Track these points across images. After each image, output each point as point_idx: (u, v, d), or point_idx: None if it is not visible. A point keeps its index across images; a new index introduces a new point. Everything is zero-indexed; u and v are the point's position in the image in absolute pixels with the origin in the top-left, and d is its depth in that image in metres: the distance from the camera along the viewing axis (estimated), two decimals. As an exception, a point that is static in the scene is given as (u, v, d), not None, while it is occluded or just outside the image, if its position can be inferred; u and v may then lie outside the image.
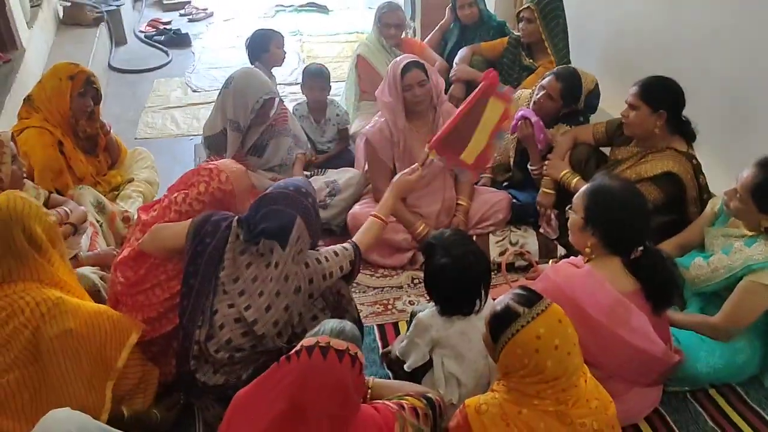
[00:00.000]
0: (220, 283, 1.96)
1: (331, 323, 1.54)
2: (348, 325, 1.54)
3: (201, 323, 1.94)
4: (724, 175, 2.72)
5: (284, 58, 3.76)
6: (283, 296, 1.93)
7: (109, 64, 5.37)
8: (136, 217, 2.73)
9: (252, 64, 3.70)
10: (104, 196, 2.92)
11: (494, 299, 1.92)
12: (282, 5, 7.12)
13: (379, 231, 2.30)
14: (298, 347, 1.47)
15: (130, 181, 3.15)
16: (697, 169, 2.58)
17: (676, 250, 2.44)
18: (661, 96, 2.56)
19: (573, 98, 2.94)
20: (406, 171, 2.45)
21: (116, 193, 3.10)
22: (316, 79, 3.57)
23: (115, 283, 2.19)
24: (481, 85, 2.51)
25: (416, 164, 2.46)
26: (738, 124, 2.81)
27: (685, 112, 2.60)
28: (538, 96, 2.98)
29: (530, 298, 1.56)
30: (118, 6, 5.84)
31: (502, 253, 2.88)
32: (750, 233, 2.17)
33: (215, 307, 1.95)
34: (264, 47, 3.65)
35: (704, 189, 2.61)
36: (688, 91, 2.57)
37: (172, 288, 2.11)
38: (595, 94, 2.99)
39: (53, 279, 1.93)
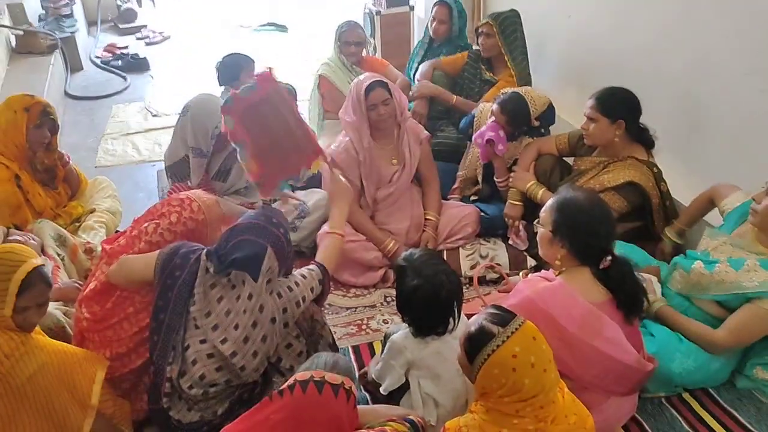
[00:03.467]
0: (191, 318, 1.92)
1: (324, 356, 1.53)
2: (341, 358, 1.54)
3: (172, 360, 1.90)
4: (683, 180, 2.79)
5: None
6: (260, 327, 1.90)
7: (65, 91, 5.26)
8: (99, 249, 2.67)
9: (221, 86, 3.69)
10: (65, 228, 2.84)
11: (467, 314, 1.94)
12: (241, 25, 7.09)
13: (338, 245, 2.29)
14: (291, 381, 1.44)
15: (92, 211, 3.08)
16: (658, 177, 2.63)
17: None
18: (618, 106, 2.61)
19: (519, 125, 2.95)
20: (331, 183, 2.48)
21: (77, 224, 3.01)
22: None
23: (81, 319, 2.13)
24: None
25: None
26: (693, 128, 2.88)
27: (642, 119, 2.66)
28: (490, 120, 2.99)
29: (504, 317, 1.56)
30: (72, 32, 5.74)
31: (473, 267, 2.90)
32: (765, 251, 2.15)
33: (186, 343, 1.91)
34: (235, 76, 3.63)
35: (666, 195, 2.66)
36: (643, 98, 2.63)
37: (140, 321, 2.06)
38: (548, 113, 3.01)
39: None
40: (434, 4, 3.94)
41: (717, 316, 2.22)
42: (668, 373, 2.16)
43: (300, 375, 1.46)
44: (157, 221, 2.16)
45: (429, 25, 3.98)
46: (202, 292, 1.93)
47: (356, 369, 2.40)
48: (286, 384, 1.45)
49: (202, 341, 1.90)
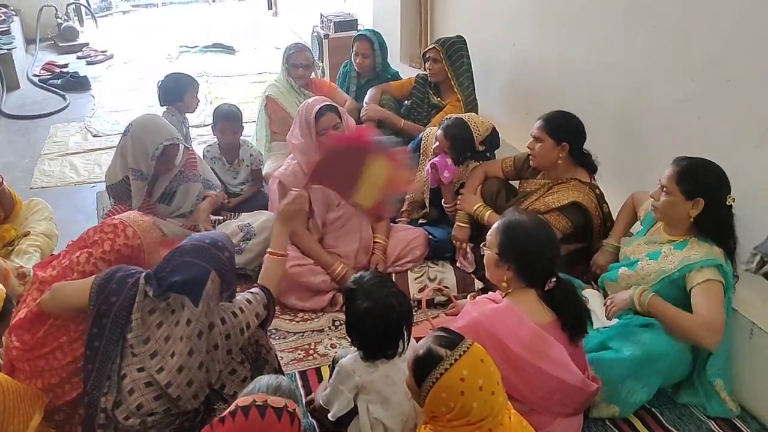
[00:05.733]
0: (128, 346, 1.83)
1: (265, 380, 1.48)
2: (284, 380, 1.49)
3: (107, 390, 1.81)
4: (621, 202, 2.86)
5: (198, 104, 3.71)
6: (196, 354, 1.83)
7: (0, 109, 5.06)
8: (32, 274, 2.55)
9: (162, 105, 3.62)
10: (-4, 252, 2.72)
11: (415, 338, 1.92)
12: (186, 46, 7.01)
13: (281, 267, 2.24)
14: (232, 407, 1.40)
15: (26, 234, 2.95)
16: (600, 198, 2.71)
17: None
18: (563, 129, 2.69)
19: (462, 150, 2.98)
20: (284, 200, 2.40)
21: (10, 248, 2.88)
22: (229, 121, 3.50)
23: (11, 348, 2.01)
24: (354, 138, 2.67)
25: (292, 190, 2.44)
26: (631, 153, 2.97)
27: (585, 145, 2.74)
28: (435, 145, 3.05)
29: (451, 340, 1.56)
30: (9, 50, 5.57)
31: (421, 290, 2.89)
32: (674, 238, 2.27)
33: (123, 372, 1.82)
34: (178, 96, 3.59)
35: (608, 217, 2.74)
36: (585, 125, 2.71)
37: (75, 350, 1.96)
38: (492, 137, 3.06)
39: None
40: (354, 39, 4.01)
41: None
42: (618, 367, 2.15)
43: (241, 400, 1.42)
44: (90, 250, 2.06)
45: (352, 59, 4.03)
46: (140, 317, 1.85)
47: (303, 396, 2.35)
48: (228, 410, 1.40)
49: (140, 369, 1.82)
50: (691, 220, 2.22)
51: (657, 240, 2.35)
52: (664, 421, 2.26)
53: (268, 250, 2.26)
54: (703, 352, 2.26)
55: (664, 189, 2.23)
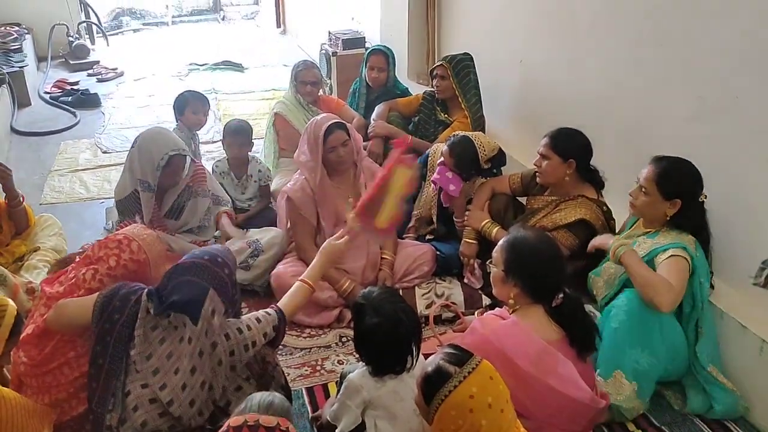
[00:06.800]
0: (132, 362, 1.83)
1: (258, 397, 1.46)
2: (276, 397, 1.47)
3: (112, 407, 1.81)
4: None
5: (203, 123, 3.75)
6: (198, 373, 1.83)
7: (11, 126, 5.12)
8: (40, 289, 2.57)
9: (177, 122, 3.70)
10: (6, 267, 2.72)
11: (423, 354, 1.92)
12: (196, 64, 7.07)
13: (306, 296, 2.23)
14: (224, 428, 1.38)
15: (35, 250, 2.97)
16: (608, 215, 2.71)
17: None
18: (570, 146, 2.70)
19: (466, 169, 2.98)
20: (333, 237, 2.41)
21: (20, 264, 2.90)
22: (237, 135, 3.53)
23: (18, 363, 2.02)
24: (395, 152, 2.56)
25: (342, 231, 2.43)
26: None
27: (592, 161, 2.74)
28: (440, 161, 3.06)
29: (460, 357, 1.55)
30: (21, 67, 5.63)
31: (428, 306, 2.88)
32: (649, 230, 2.36)
33: (127, 388, 1.82)
34: (180, 110, 3.64)
35: (614, 233, 2.73)
36: (592, 140, 2.72)
37: (82, 366, 1.96)
38: (498, 157, 3.06)
39: None
40: (369, 53, 4.04)
41: None
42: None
43: (233, 420, 1.40)
44: (95, 266, 2.07)
45: (365, 74, 4.05)
46: (143, 334, 1.85)
47: (310, 412, 2.34)
48: (220, 431, 1.39)
49: (143, 386, 1.82)
50: (667, 218, 2.30)
51: (634, 234, 2.44)
52: (671, 436, 2.24)
53: (302, 276, 2.25)
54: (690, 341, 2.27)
55: (643, 189, 2.30)
